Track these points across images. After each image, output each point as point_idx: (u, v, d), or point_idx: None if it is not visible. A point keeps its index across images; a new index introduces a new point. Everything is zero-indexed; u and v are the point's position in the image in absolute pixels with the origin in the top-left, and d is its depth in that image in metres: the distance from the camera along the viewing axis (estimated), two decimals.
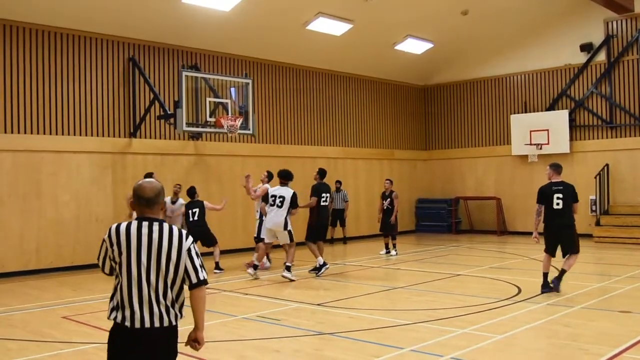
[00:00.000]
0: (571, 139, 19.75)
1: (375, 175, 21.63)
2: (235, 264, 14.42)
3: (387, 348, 6.89)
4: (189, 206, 13.43)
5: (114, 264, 3.76)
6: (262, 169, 15.30)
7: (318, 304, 9.59)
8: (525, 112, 20.92)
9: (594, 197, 18.60)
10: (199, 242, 13.36)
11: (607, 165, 18.81)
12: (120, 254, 3.70)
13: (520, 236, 20.35)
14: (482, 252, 16.44)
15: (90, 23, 14.46)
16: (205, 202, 13.57)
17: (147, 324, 3.64)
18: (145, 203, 3.78)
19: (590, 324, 8.07)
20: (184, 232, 3.80)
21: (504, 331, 7.51)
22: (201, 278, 3.76)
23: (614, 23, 19.00)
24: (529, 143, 20.34)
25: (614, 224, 17.98)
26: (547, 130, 19.94)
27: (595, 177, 18.45)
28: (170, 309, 3.71)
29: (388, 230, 15.98)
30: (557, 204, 9.88)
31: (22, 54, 13.70)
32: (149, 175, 13.07)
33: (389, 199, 15.86)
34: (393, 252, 15.95)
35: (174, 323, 3.72)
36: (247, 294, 10.67)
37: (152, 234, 3.70)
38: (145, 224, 3.73)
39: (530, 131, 20.30)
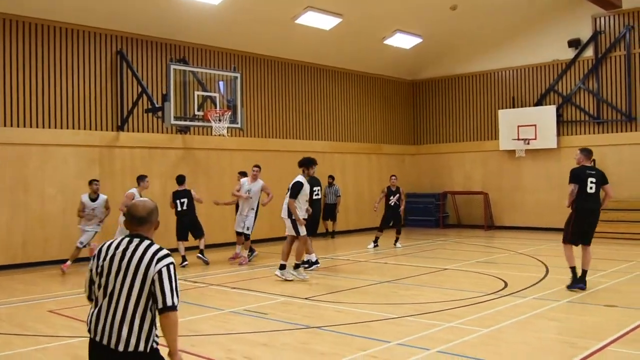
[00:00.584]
0: (558, 134, 19.85)
1: (363, 169, 21.67)
2: (224, 257, 14.41)
3: (374, 342, 6.91)
4: (176, 196, 13.47)
5: (95, 284, 3.71)
6: (250, 163, 15.29)
7: (306, 298, 9.61)
8: (513, 107, 21.00)
9: None
10: (188, 232, 13.52)
11: (593, 160, 18.87)
12: (98, 267, 3.69)
13: (507, 231, 20.46)
14: (469, 247, 16.51)
15: (77, 16, 14.36)
16: (192, 191, 13.59)
17: (105, 341, 3.54)
18: (136, 221, 3.77)
19: (576, 317, 8.13)
20: (164, 252, 3.64)
21: (490, 325, 7.56)
22: (168, 304, 3.53)
23: (602, 19, 19.09)
24: (516, 138, 20.43)
25: (599, 219, 18.03)
26: (535, 125, 20.03)
27: None
28: (134, 333, 3.53)
29: (398, 225, 16.44)
30: (591, 187, 9.87)
31: (9, 47, 13.59)
32: (142, 177, 13.04)
33: (397, 195, 16.26)
34: (399, 245, 16.38)
35: (140, 349, 3.54)
36: (234, 288, 10.67)
37: (127, 250, 3.64)
38: (126, 240, 3.71)
39: (518, 126, 20.37)
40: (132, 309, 3.54)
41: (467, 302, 9.02)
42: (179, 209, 13.37)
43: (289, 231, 11.46)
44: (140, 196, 12.70)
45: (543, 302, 8.91)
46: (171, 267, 3.62)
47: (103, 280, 3.63)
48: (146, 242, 3.67)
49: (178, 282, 3.65)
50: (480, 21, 19.62)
